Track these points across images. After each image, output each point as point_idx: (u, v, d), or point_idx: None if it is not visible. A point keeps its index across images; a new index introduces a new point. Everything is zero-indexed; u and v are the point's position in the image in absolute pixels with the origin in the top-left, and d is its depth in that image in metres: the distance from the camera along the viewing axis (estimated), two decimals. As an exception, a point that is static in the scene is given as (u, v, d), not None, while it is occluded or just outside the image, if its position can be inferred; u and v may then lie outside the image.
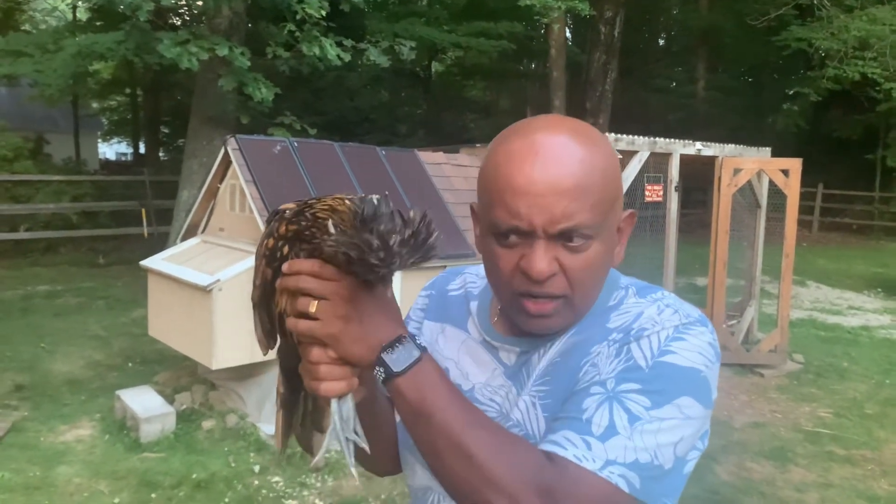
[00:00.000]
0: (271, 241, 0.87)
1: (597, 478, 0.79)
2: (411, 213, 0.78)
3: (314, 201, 0.84)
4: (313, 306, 0.83)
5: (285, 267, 0.84)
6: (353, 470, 0.92)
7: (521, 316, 0.92)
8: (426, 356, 0.85)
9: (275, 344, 0.94)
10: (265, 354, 0.98)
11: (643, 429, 0.81)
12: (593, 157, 0.87)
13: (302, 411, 0.98)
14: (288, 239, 0.85)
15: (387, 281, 0.83)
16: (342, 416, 0.89)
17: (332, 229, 0.78)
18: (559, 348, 0.94)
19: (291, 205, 0.87)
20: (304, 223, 0.83)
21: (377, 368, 0.84)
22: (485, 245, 0.93)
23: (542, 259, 0.86)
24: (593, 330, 0.92)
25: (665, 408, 0.82)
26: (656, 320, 0.89)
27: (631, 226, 0.97)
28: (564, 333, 0.95)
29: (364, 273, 0.77)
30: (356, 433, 0.90)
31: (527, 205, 0.84)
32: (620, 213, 0.94)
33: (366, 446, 0.91)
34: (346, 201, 0.80)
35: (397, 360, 0.83)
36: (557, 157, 0.85)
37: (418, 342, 0.85)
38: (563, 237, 0.86)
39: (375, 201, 0.77)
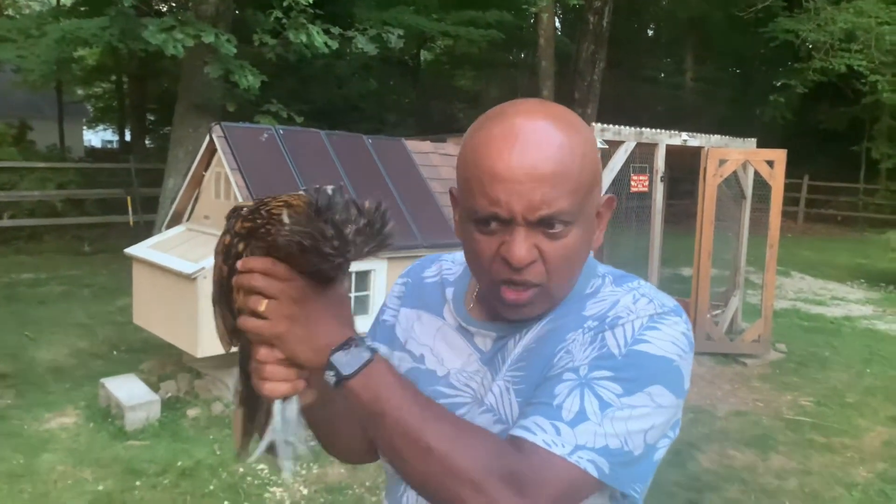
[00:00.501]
0: (227, 238, 0.88)
1: (565, 462, 0.79)
2: (367, 203, 0.77)
3: (270, 199, 0.84)
4: (262, 305, 0.83)
5: (239, 264, 0.84)
6: (287, 473, 0.93)
7: (499, 304, 0.92)
8: (377, 356, 0.84)
9: (237, 340, 0.94)
10: (227, 351, 0.98)
11: (614, 415, 0.82)
12: (572, 141, 0.86)
13: (266, 408, 0.98)
14: (243, 236, 0.85)
15: (341, 277, 0.82)
16: (284, 418, 0.89)
17: (286, 220, 0.78)
18: (535, 334, 0.94)
19: (250, 202, 0.88)
20: (259, 220, 0.83)
21: (327, 372, 0.83)
22: (464, 231, 0.93)
23: (521, 246, 0.85)
24: (569, 317, 0.93)
25: (636, 395, 0.83)
26: (631, 309, 0.89)
27: (610, 210, 0.97)
28: (541, 320, 0.95)
29: (319, 262, 0.77)
30: (297, 436, 0.90)
31: (506, 192, 0.84)
32: (599, 198, 0.94)
33: (305, 450, 0.91)
34: (301, 194, 0.80)
35: (347, 362, 0.83)
36: (536, 142, 0.85)
37: (368, 343, 0.85)
38: (543, 224, 0.86)
39: (330, 191, 0.77)
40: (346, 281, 0.88)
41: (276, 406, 0.89)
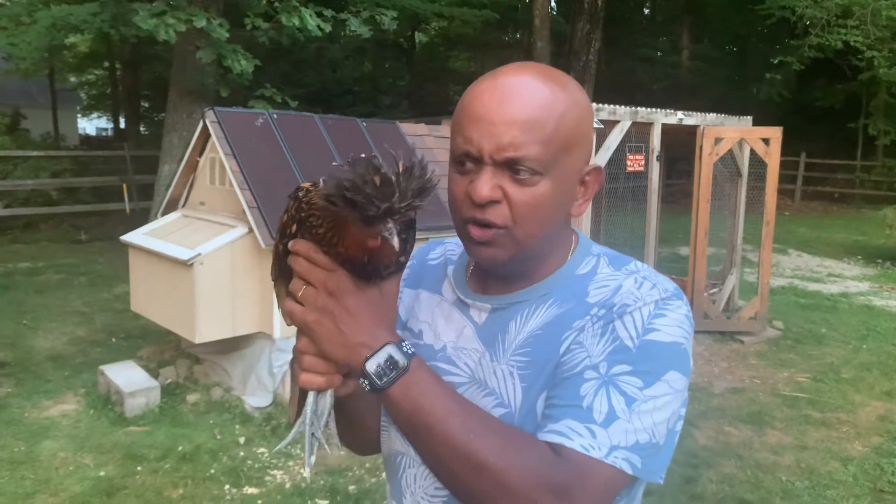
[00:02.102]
0: (285, 217, 0.89)
1: (604, 465, 0.81)
2: (401, 158, 0.77)
3: (312, 186, 0.85)
4: (301, 290, 0.83)
5: (290, 244, 0.85)
6: (308, 470, 0.94)
7: (468, 243, 0.94)
8: (415, 363, 0.83)
9: None
10: (289, 325, 0.99)
11: (640, 410, 0.84)
12: (554, 97, 0.88)
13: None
14: (297, 220, 0.86)
15: (388, 273, 0.81)
16: (315, 411, 0.89)
17: (322, 182, 0.78)
18: (540, 321, 0.94)
19: (308, 184, 0.88)
20: (303, 214, 0.84)
21: (361, 380, 0.83)
22: (449, 175, 0.95)
23: (485, 184, 0.87)
24: (573, 303, 0.93)
25: (656, 385, 0.85)
26: (637, 295, 0.90)
27: (597, 181, 0.97)
28: (543, 304, 0.95)
29: (366, 208, 0.74)
30: (323, 432, 0.90)
31: (478, 132, 0.87)
32: (582, 164, 0.94)
33: (327, 448, 0.92)
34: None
35: (382, 371, 0.82)
36: (516, 91, 0.88)
37: (406, 349, 0.84)
38: (509, 167, 0.87)
39: (362, 156, 0.77)
40: (393, 282, 0.87)
41: (310, 397, 0.89)
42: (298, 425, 0.90)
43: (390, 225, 0.76)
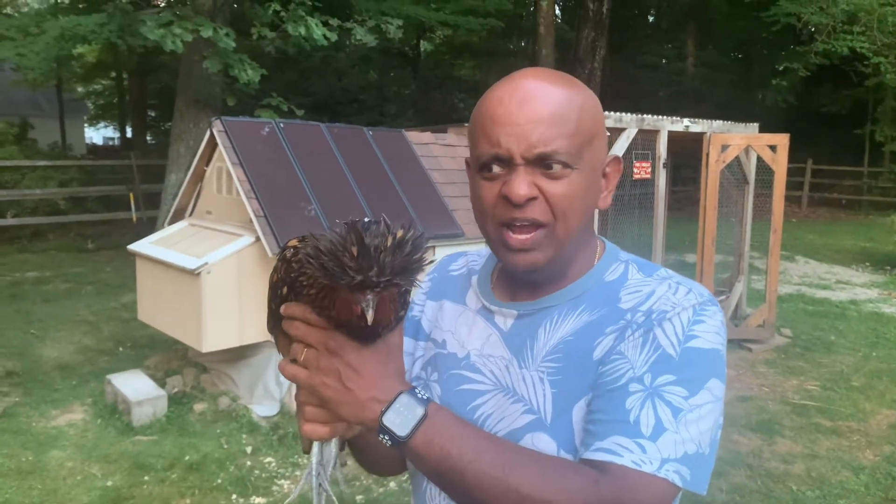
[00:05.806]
0: (275, 277, 0.88)
1: (656, 479, 0.80)
2: (400, 231, 0.75)
3: (300, 242, 0.83)
4: (301, 354, 0.82)
5: (282, 309, 0.84)
6: None
7: (505, 252, 0.92)
8: (433, 409, 0.81)
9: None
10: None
11: (686, 419, 0.83)
12: (570, 93, 0.91)
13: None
14: (287, 282, 0.85)
15: (382, 334, 0.79)
16: (321, 460, 0.88)
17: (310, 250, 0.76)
18: (571, 327, 0.93)
19: (295, 241, 0.87)
20: (293, 274, 0.83)
21: (381, 435, 0.80)
22: (473, 184, 0.95)
23: (521, 183, 0.87)
24: (605, 309, 0.93)
25: (699, 394, 0.85)
26: (674, 301, 0.89)
27: (617, 172, 0.99)
28: (573, 310, 0.94)
29: (339, 277, 0.72)
30: (329, 480, 0.89)
31: (506, 134, 0.88)
32: (603, 156, 0.95)
33: (334, 499, 0.91)
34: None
35: (401, 423, 0.79)
36: (535, 92, 0.89)
37: (420, 395, 0.82)
38: (542, 163, 0.88)
39: (366, 220, 0.75)
40: (395, 332, 0.85)
41: (315, 447, 0.88)
42: (305, 477, 0.90)
43: (369, 297, 0.73)
